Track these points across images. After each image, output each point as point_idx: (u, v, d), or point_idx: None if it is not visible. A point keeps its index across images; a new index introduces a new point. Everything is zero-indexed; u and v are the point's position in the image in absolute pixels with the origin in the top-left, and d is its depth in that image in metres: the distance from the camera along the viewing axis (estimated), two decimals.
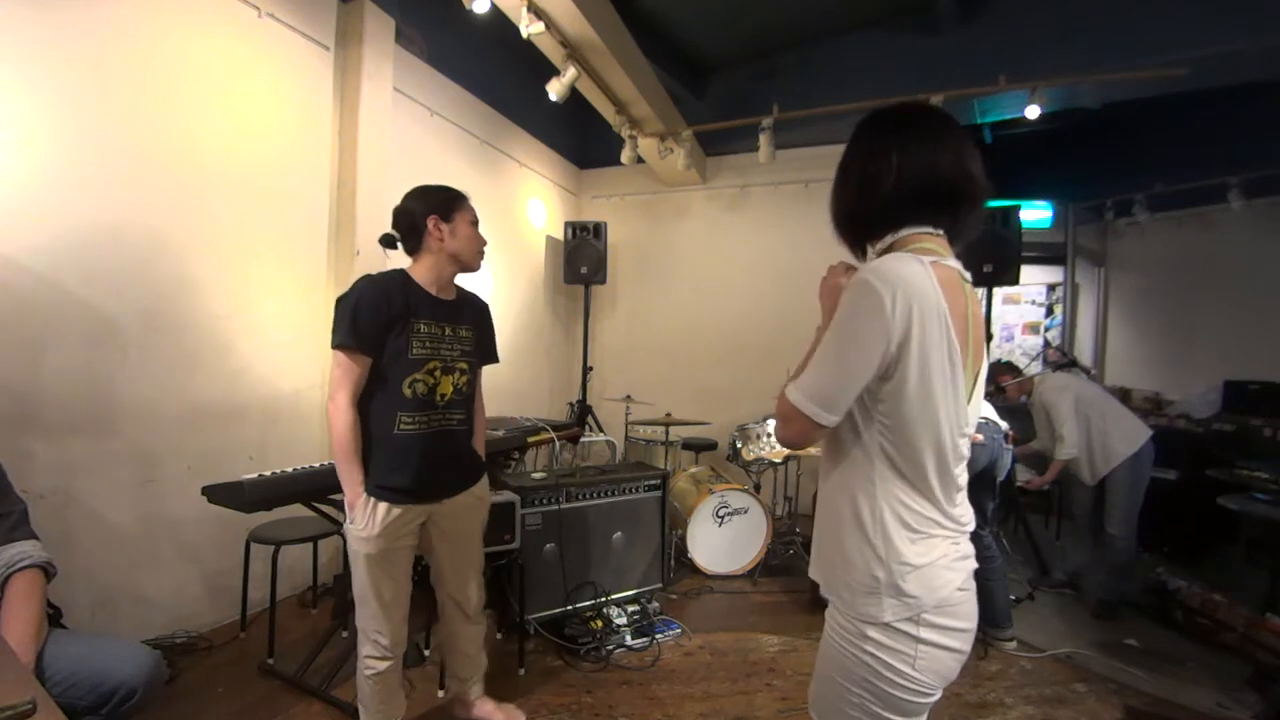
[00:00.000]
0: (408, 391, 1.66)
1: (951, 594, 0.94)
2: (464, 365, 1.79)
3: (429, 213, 1.71)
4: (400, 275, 1.73)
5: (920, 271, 0.91)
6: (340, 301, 1.65)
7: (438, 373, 1.71)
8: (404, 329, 1.65)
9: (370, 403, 1.67)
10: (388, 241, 1.79)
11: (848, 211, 1.05)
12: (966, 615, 0.97)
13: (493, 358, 1.96)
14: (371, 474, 1.65)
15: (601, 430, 4.83)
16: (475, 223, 1.79)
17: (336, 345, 1.62)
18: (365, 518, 1.63)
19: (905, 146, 0.97)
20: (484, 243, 1.82)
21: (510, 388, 4.56)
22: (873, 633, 0.93)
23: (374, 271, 1.75)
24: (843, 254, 1.15)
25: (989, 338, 4.36)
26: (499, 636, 2.68)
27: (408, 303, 1.67)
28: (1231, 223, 5.11)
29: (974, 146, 0.99)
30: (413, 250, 1.76)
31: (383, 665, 1.74)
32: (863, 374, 0.92)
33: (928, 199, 0.98)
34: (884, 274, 0.90)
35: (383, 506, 1.64)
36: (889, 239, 1.00)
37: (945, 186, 0.97)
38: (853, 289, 0.93)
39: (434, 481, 1.73)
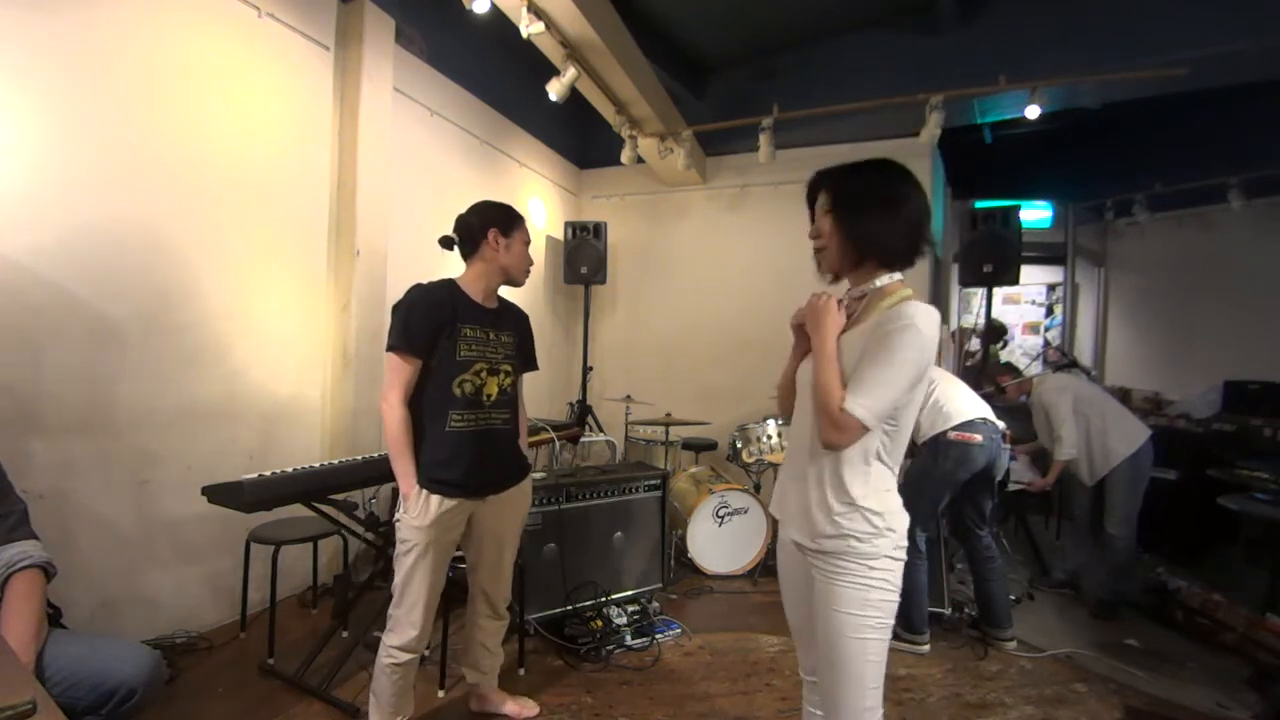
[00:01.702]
0: (457, 391, 1.76)
1: (903, 526, 1.29)
2: (508, 368, 1.89)
3: (491, 225, 1.83)
4: (449, 284, 1.84)
5: (939, 317, 1.22)
6: (395, 309, 1.77)
7: (484, 374, 1.82)
8: (452, 333, 1.77)
9: (424, 401, 1.77)
10: (446, 243, 1.90)
11: (885, 246, 1.27)
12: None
13: (533, 364, 2.06)
14: (424, 468, 1.74)
15: (601, 430, 4.83)
16: (528, 243, 1.91)
17: (390, 348, 1.74)
18: (419, 508, 1.72)
19: (919, 200, 1.27)
20: (531, 263, 1.93)
21: None
22: (877, 564, 1.23)
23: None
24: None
25: (1004, 343, 4.36)
26: None
27: (455, 309, 1.79)
28: (1231, 223, 5.12)
29: None
30: (467, 256, 1.88)
31: (405, 657, 1.78)
32: (908, 395, 1.22)
33: (917, 248, 1.28)
34: (932, 320, 1.20)
35: (435, 499, 1.73)
36: (885, 279, 1.27)
37: (929, 239, 1.30)
38: (912, 331, 1.17)
39: (481, 477, 1.82)
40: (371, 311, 3.22)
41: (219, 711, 2.10)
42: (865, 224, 1.27)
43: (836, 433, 1.19)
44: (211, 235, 2.64)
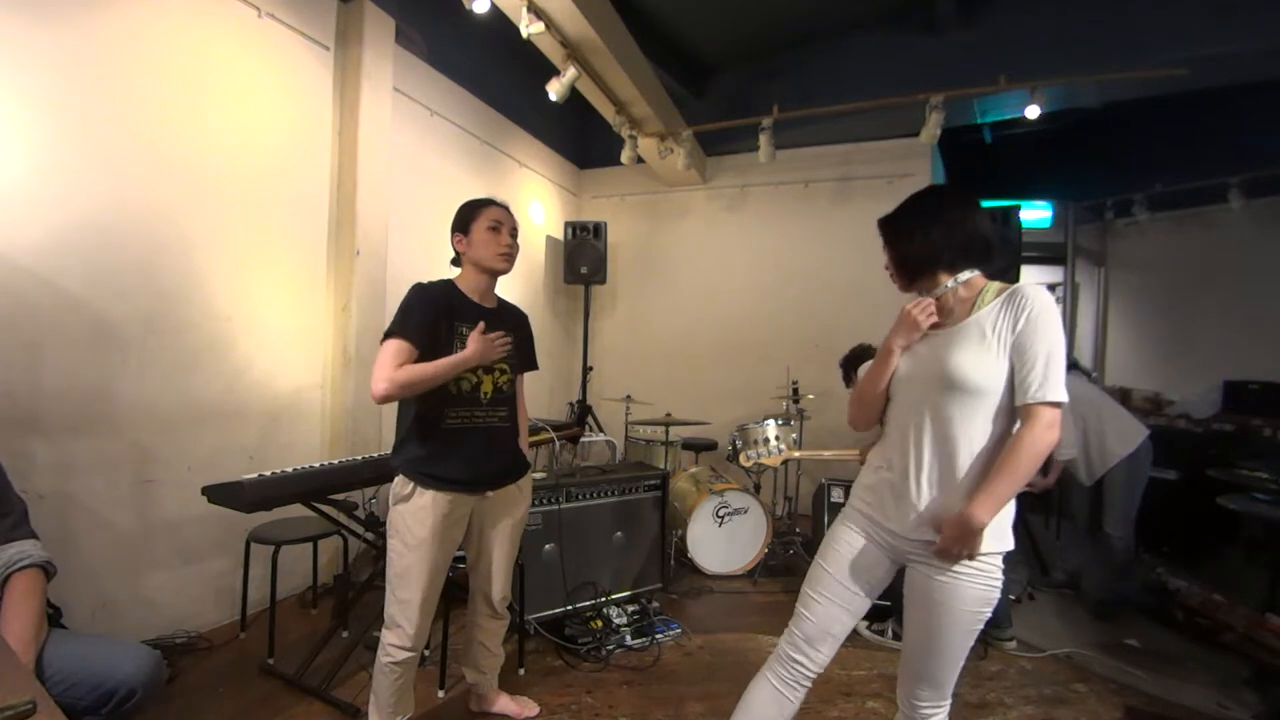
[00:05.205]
0: (453, 388, 1.78)
1: None
2: (504, 367, 1.90)
3: (454, 231, 1.88)
4: (447, 284, 1.88)
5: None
6: (400, 306, 1.79)
7: (479, 372, 1.83)
8: (450, 331, 1.78)
9: (420, 398, 1.77)
10: (456, 260, 1.94)
11: (930, 258, 1.41)
12: None
13: (532, 364, 2.07)
14: (421, 463, 1.75)
15: (601, 430, 4.83)
16: (495, 226, 1.84)
17: (387, 334, 1.73)
18: (419, 507, 1.73)
19: (954, 210, 1.43)
20: (505, 243, 1.85)
21: None
22: (1003, 559, 1.31)
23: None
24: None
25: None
26: None
27: (452, 307, 1.81)
28: (1231, 223, 5.12)
29: None
30: (456, 263, 1.93)
31: (403, 655, 1.78)
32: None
33: (967, 247, 1.40)
34: (1048, 294, 1.31)
35: (434, 495, 1.74)
36: (965, 275, 1.39)
37: (974, 233, 1.42)
38: (1053, 309, 1.26)
39: (479, 474, 1.83)
40: (371, 311, 3.21)
41: (219, 711, 2.10)
42: (905, 246, 1.42)
43: (1055, 431, 1.23)
44: (212, 235, 2.64)
